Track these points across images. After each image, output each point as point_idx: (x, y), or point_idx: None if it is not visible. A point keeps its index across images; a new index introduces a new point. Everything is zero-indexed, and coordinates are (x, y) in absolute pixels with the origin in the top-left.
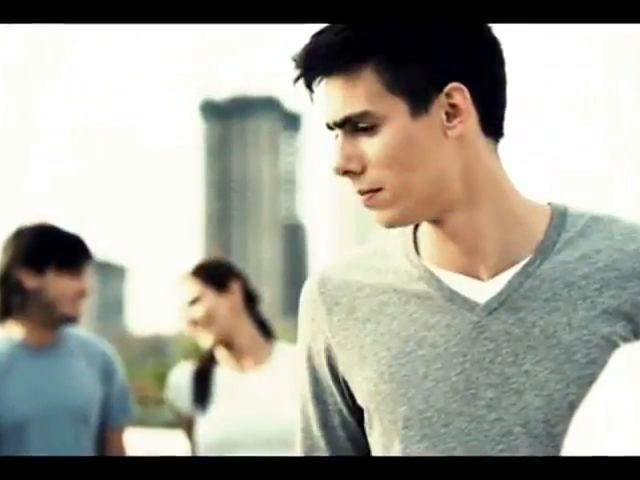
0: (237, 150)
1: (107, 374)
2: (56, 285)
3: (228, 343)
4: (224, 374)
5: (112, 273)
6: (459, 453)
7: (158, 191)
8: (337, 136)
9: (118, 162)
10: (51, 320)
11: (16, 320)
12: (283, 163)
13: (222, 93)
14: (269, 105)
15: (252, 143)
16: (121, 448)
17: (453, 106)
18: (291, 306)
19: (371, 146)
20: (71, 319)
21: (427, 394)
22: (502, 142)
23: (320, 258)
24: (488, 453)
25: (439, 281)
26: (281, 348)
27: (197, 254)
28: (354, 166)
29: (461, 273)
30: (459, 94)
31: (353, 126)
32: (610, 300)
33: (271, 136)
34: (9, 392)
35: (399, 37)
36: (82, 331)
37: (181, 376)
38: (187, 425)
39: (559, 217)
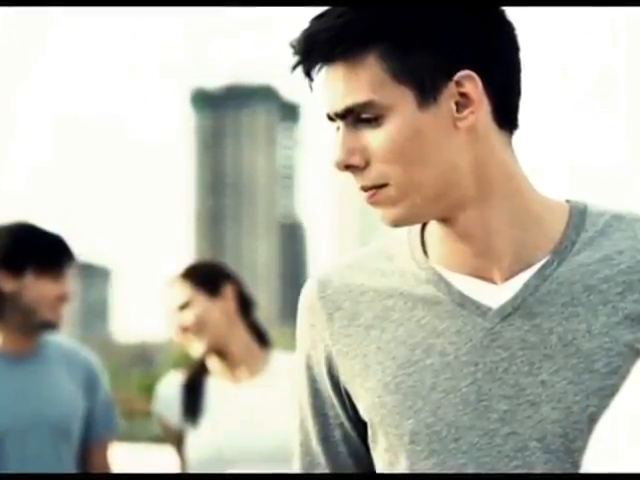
0: (231, 143)
1: (90, 384)
2: (35, 288)
3: (221, 352)
4: (216, 385)
5: (96, 275)
6: (470, 470)
7: (146, 187)
8: (338, 128)
9: (102, 156)
10: (30, 326)
11: None
12: (280, 157)
13: (215, 82)
14: (265, 95)
15: (247, 135)
16: (105, 464)
17: (464, 95)
18: (289, 311)
19: (375, 139)
20: (51, 325)
21: (436, 406)
22: (516, 134)
23: (320, 260)
24: (501, 470)
25: (448, 284)
26: (278, 357)
27: (188, 255)
28: (357, 160)
29: (472, 276)
30: (470, 82)
31: (356, 117)
32: (633, 305)
33: (268, 128)
34: None
35: (405, 21)
36: (63, 338)
37: (170, 387)
38: (176, 440)
39: (578, 216)
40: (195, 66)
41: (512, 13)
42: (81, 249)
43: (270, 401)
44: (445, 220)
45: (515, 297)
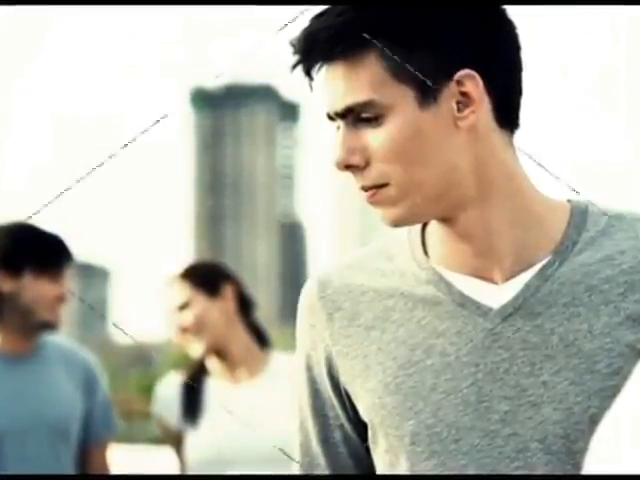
0: (230, 143)
1: (89, 385)
2: (34, 289)
3: (220, 352)
4: (216, 386)
5: (95, 275)
6: (471, 471)
7: (144, 187)
8: (338, 127)
9: (101, 156)
10: (28, 327)
11: None
12: (280, 157)
13: (214, 80)
14: (265, 94)
15: (247, 135)
16: (104, 466)
17: (464, 94)
18: (289, 312)
19: (375, 138)
20: (50, 326)
21: (436, 407)
22: (517, 134)
23: (320, 260)
24: (502, 471)
25: (449, 284)
26: (278, 358)
27: (187, 255)
28: (357, 160)
29: (473, 276)
30: (471, 82)
31: (356, 116)
32: (635, 305)
33: (267, 128)
34: None
35: (406, 20)
36: (62, 339)
37: (169, 388)
38: (176, 441)
39: (579, 215)
40: (195, 65)
41: (513, 12)
42: (80, 249)
43: (269, 402)
44: (446, 220)
45: (516, 297)
